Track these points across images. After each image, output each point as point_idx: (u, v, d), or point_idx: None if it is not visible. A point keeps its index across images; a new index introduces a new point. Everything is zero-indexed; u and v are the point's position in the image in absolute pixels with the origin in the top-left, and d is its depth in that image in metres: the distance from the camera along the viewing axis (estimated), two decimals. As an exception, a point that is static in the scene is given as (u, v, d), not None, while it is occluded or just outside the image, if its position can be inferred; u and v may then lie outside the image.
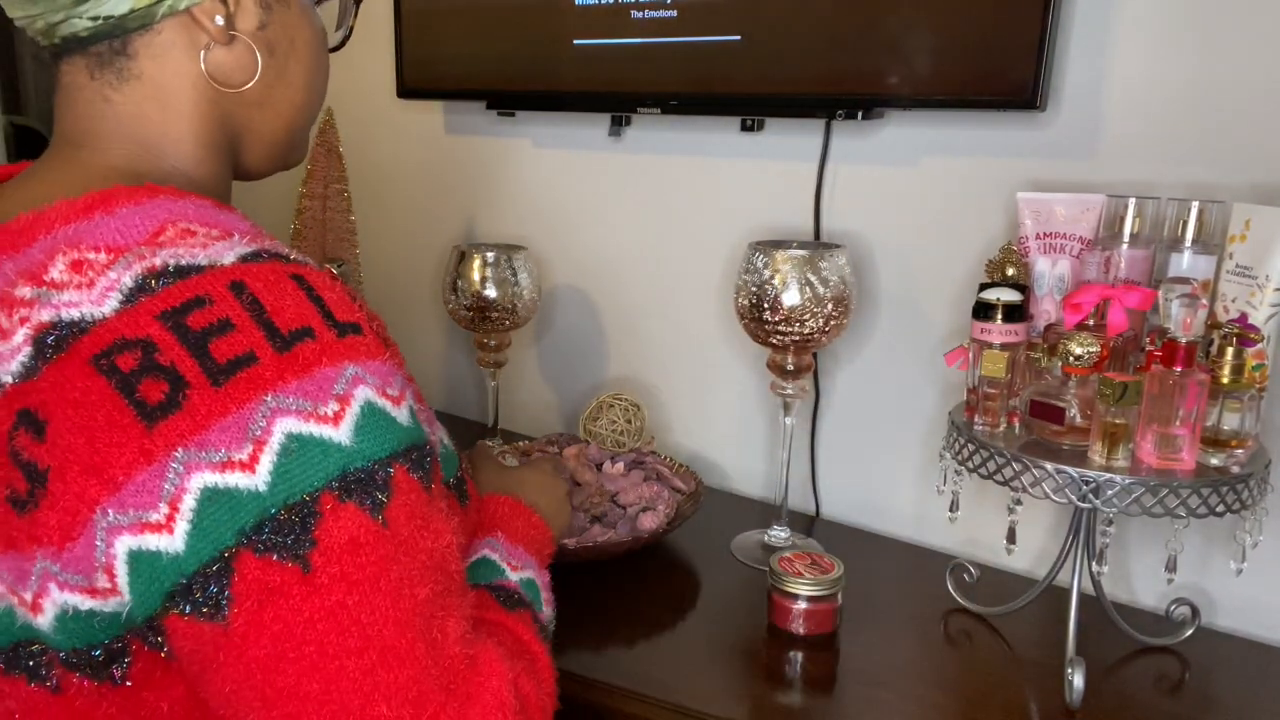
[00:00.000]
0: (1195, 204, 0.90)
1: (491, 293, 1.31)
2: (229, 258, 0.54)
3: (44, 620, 0.53)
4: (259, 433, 0.50)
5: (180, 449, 0.50)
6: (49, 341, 0.52)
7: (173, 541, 0.50)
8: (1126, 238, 0.92)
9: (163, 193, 0.57)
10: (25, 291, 0.53)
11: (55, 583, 0.52)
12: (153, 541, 0.50)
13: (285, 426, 0.51)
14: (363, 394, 0.54)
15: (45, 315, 0.52)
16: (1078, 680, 0.86)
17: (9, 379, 0.52)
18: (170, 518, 0.50)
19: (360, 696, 0.51)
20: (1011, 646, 0.97)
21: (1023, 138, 1.09)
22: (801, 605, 0.95)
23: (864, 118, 1.13)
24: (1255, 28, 0.96)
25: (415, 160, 1.60)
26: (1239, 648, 1.00)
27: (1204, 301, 0.82)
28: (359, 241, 1.55)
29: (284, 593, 0.50)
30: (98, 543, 0.50)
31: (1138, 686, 0.91)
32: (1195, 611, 0.97)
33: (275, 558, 0.50)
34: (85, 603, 0.52)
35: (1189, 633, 0.97)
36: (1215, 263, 0.89)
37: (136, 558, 0.50)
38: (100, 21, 0.59)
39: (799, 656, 0.95)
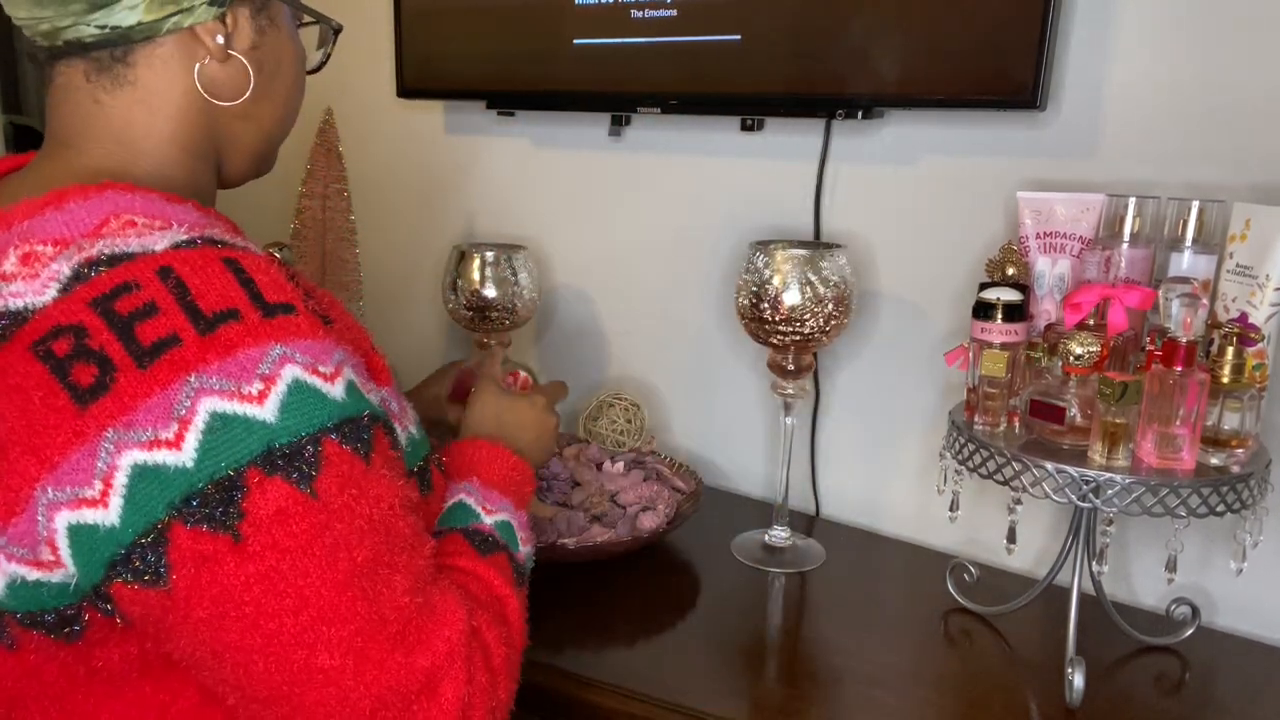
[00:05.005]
0: (1195, 203, 0.90)
1: (491, 292, 1.31)
2: (161, 245, 0.57)
3: None
4: (184, 412, 0.53)
5: (110, 429, 0.53)
6: None
7: (108, 515, 0.53)
8: (1127, 237, 0.92)
9: (112, 188, 0.60)
10: None
11: (3, 554, 0.55)
12: (90, 516, 0.53)
13: (209, 406, 0.54)
14: (290, 373, 0.56)
15: None
16: (1078, 680, 0.86)
17: None
18: (104, 493, 0.53)
19: (303, 649, 0.55)
20: (1011, 646, 0.97)
21: (1023, 137, 1.09)
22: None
23: (864, 117, 1.13)
24: (1255, 28, 0.96)
25: (415, 160, 1.59)
26: (1239, 648, 1.00)
27: (1204, 301, 0.82)
28: (359, 241, 1.54)
29: (218, 560, 0.54)
30: (39, 518, 0.54)
31: (1138, 686, 0.91)
32: (1195, 611, 0.97)
33: (205, 528, 0.53)
34: (32, 574, 0.55)
35: (1189, 632, 0.97)
36: (1215, 262, 0.89)
37: (76, 531, 0.54)
38: (107, 30, 0.62)
39: (799, 656, 0.95)
